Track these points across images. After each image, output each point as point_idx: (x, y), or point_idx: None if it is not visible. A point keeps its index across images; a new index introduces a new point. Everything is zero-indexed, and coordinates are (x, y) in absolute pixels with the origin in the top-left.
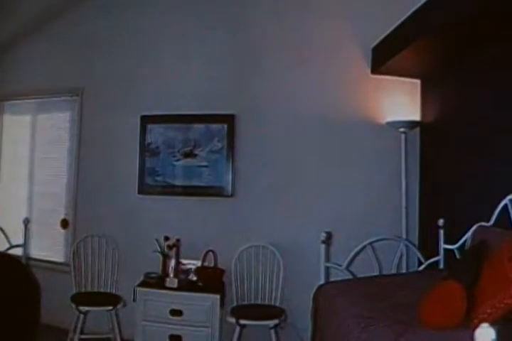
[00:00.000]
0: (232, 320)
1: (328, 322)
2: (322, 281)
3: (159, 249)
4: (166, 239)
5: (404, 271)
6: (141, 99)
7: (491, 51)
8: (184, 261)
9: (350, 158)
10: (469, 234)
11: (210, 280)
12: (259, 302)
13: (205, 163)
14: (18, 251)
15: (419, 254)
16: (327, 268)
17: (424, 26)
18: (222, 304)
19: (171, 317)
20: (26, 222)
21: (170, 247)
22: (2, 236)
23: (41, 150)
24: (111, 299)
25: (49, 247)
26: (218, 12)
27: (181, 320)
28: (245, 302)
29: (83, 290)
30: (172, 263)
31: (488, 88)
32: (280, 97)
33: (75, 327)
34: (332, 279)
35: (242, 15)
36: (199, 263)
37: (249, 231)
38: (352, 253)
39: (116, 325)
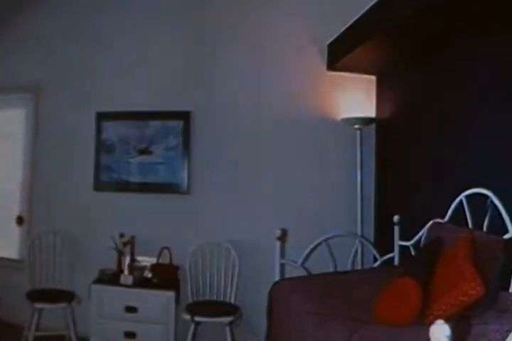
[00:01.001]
0: (187, 316)
1: (283, 319)
2: (277, 278)
3: (114, 246)
4: (121, 235)
5: (359, 267)
6: (97, 96)
7: (443, 50)
8: (139, 258)
9: (306, 154)
10: (424, 230)
11: (165, 277)
12: (214, 299)
13: (160, 160)
14: None
15: (374, 251)
16: (282, 265)
17: (378, 24)
18: (177, 301)
19: (125, 314)
20: None
21: (125, 244)
22: None
23: None
24: (66, 296)
25: (4, 244)
26: (174, 9)
27: (136, 317)
28: (200, 299)
29: (38, 287)
30: (127, 260)
31: (442, 86)
32: (236, 94)
33: (30, 324)
34: (287, 276)
35: (199, 12)
36: (154, 260)
37: (205, 228)
38: (307, 250)
39: (71, 322)
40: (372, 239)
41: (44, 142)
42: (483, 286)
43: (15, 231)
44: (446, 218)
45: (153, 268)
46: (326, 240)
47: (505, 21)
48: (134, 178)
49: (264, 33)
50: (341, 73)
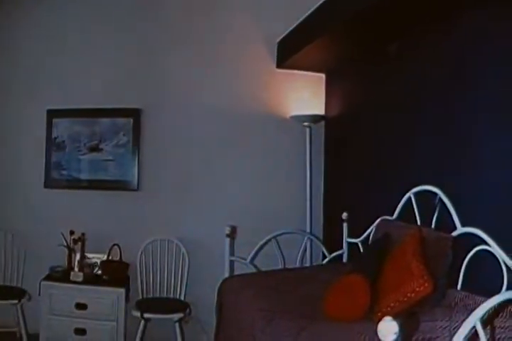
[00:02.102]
0: (137, 313)
1: (233, 315)
2: (227, 275)
3: (65, 243)
4: (72, 233)
5: (308, 264)
6: (47, 93)
7: (391, 47)
8: (89, 255)
9: (256, 152)
10: (373, 227)
11: (115, 274)
12: (164, 296)
13: (110, 157)
14: None
15: (323, 248)
16: (231, 262)
17: (327, 22)
18: (127, 298)
19: (76, 310)
20: None
21: (75, 241)
22: None
23: None
24: (16, 293)
25: None
26: (123, 6)
27: (86, 314)
28: (150, 296)
29: None
30: (77, 257)
31: (390, 83)
32: (186, 91)
33: None
34: (236, 273)
35: (148, 8)
36: (104, 257)
37: (155, 225)
38: (256, 247)
39: (21, 319)
40: (321, 236)
41: None
42: (431, 283)
43: None
44: (395, 215)
45: (104, 265)
46: (275, 237)
47: (450, 18)
48: (85, 175)
49: (213, 31)
50: (291, 71)
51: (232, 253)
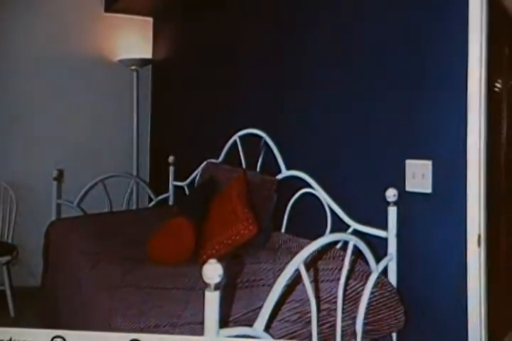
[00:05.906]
0: None
1: (60, 258)
2: (53, 218)
3: None
4: None
5: (134, 207)
6: None
7: None
8: None
9: (83, 95)
10: (198, 170)
11: None
12: None
13: None
14: None
15: (149, 191)
16: (59, 205)
17: None
18: None
19: None
20: None
21: None
22: None
23: None
24: None
25: None
26: None
27: None
28: None
29: None
30: None
31: (219, 28)
32: (7, 35)
33: None
34: (64, 216)
35: None
36: None
37: None
38: (83, 190)
39: None
40: (147, 179)
41: None
42: (256, 226)
43: None
44: (220, 158)
45: None
46: (102, 180)
47: None
48: None
49: None
50: (119, 15)
51: (59, 197)
